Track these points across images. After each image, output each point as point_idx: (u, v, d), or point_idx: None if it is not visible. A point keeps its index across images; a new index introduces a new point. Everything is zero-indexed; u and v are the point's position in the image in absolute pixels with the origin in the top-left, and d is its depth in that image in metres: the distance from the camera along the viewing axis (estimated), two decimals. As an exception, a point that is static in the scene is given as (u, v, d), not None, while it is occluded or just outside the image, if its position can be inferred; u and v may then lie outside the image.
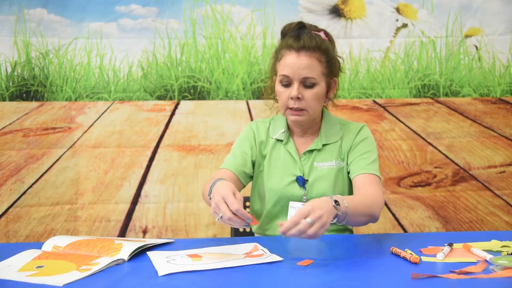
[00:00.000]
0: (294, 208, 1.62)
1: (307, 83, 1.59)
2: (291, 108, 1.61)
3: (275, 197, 1.68)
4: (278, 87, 1.63)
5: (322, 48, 1.59)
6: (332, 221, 1.34)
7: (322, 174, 1.66)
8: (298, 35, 1.60)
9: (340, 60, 1.69)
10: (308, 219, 1.26)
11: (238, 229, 1.95)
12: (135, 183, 2.64)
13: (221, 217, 1.33)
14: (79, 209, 2.61)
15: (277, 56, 1.64)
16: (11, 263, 1.33)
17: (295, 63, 1.58)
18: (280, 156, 1.70)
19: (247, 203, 1.89)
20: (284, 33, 1.66)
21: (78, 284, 1.19)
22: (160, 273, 1.24)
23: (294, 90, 1.58)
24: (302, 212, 1.27)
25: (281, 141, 1.71)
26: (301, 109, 1.61)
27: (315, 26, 1.67)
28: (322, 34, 1.64)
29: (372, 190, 1.58)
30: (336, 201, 1.34)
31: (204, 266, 1.29)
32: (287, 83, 1.61)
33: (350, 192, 1.70)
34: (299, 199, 1.66)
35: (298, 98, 1.59)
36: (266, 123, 1.77)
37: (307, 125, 1.70)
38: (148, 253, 1.41)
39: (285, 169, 1.69)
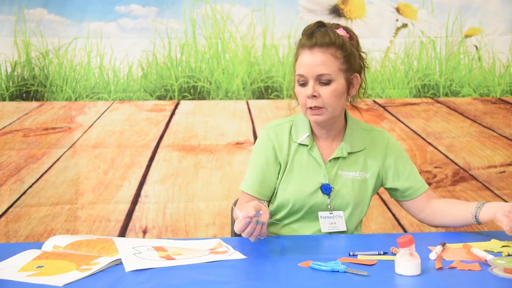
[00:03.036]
0: (324, 218, 1.61)
1: (322, 80, 1.55)
2: (310, 108, 1.58)
3: (297, 204, 1.63)
4: (296, 87, 1.60)
5: (337, 44, 1.56)
6: None
7: (347, 183, 1.63)
8: (311, 33, 1.58)
9: (364, 55, 1.65)
10: None
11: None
12: (135, 183, 2.64)
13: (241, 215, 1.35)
14: (79, 209, 2.61)
15: (295, 57, 1.62)
16: (11, 263, 1.33)
17: (309, 60, 1.56)
18: (303, 162, 1.65)
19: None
20: (304, 33, 1.63)
21: (78, 284, 1.19)
22: (127, 269, 1.25)
23: (309, 88, 1.55)
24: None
25: (305, 145, 1.66)
26: (320, 107, 1.57)
27: (336, 24, 1.63)
28: (340, 30, 1.60)
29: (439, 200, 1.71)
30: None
31: (172, 263, 1.31)
32: (303, 82, 1.58)
33: (368, 204, 1.70)
34: (323, 208, 1.63)
35: (315, 96, 1.56)
36: (288, 125, 1.70)
37: (330, 126, 1.65)
38: (115, 240, 1.43)
39: (309, 176, 1.64)
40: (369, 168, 1.67)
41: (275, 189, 1.68)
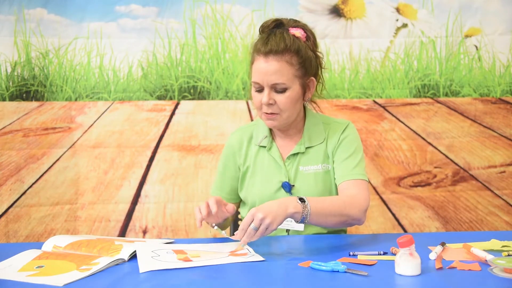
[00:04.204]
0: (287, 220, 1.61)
1: (277, 89, 1.55)
2: (265, 113, 1.58)
3: None
4: (252, 92, 1.60)
5: (293, 50, 1.53)
6: (298, 221, 1.40)
7: (309, 178, 1.63)
8: (266, 38, 1.55)
9: (320, 55, 1.63)
10: (252, 225, 1.34)
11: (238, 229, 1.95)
12: (135, 183, 2.64)
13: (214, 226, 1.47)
14: (79, 209, 2.61)
15: (251, 61, 1.60)
16: (11, 263, 1.33)
17: (263, 68, 1.54)
18: (264, 163, 1.67)
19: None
20: (261, 32, 1.60)
21: (78, 284, 1.19)
22: (141, 270, 1.25)
23: (264, 96, 1.55)
24: (246, 221, 1.35)
25: (265, 147, 1.68)
26: (275, 113, 1.57)
27: (294, 21, 1.60)
28: (298, 31, 1.57)
29: (353, 192, 1.58)
30: (301, 199, 1.41)
31: (188, 265, 1.30)
32: (259, 89, 1.57)
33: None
34: None
35: (270, 103, 1.56)
36: (250, 129, 1.73)
37: (287, 127, 1.65)
38: (137, 244, 1.43)
39: (270, 175, 1.65)
40: (330, 158, 1.66)
41: (237, 192, 1.73)
